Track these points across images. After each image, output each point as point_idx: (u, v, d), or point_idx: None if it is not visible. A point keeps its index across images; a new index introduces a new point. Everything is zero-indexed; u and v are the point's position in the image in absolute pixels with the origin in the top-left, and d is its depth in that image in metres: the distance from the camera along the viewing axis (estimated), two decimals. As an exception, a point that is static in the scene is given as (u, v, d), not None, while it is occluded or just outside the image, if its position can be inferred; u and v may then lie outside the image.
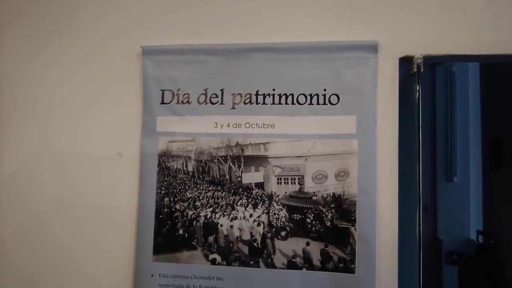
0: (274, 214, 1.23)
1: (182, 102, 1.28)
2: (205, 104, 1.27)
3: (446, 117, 2.63)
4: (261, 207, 1.24)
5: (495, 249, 2.15)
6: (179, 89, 1.28)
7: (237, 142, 1.26)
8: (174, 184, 1.27)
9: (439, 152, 2.68)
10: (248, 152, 1.25)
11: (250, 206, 1.24)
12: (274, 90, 1.25)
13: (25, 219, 1.32)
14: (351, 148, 1.22)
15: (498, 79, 2.32)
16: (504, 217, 2.13)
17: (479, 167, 2.53)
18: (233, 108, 1.26)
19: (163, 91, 1.29)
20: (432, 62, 1.27)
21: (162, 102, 1.29)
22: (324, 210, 1.22)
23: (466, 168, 2.63)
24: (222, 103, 1.27)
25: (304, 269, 1.21)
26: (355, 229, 1.20)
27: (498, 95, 2.32)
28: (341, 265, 1.20)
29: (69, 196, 1.31)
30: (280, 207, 1.23)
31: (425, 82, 2.64)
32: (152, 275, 1.24)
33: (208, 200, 1.26)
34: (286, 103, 1.25)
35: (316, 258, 1.21)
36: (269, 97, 1.25)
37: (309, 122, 1.24)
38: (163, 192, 1.26)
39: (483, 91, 2.52)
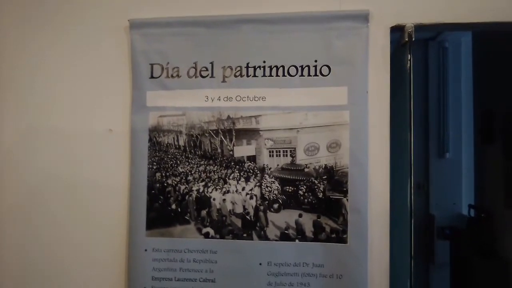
0: (267, 186, 1.23)
1: (172, 76, 1.26)
2: (195, 77, 1.25)
3: (438, 93, 2.63)
4: (254, 180, 1.24)
5: (486, 223, 2.19)
6: (168, 63, 1.26)
7: (228, 116, 1.25)
8: (165, 159, 1.26)
9: (431, 128, 2.70)
10: (240, 125, 1.24)
11: (242, 179, 1.24)
12: (264, 62, 1.24)
13: (19, 195, 1.31)
14: (343, 119, 1.21)
15: (490, 54, 2.31)
16: (495, 191, 2.16)
17: (471, 142, 2.55)
18: (224, 81, 1.25)
19: (152, 65, 1.27)
20: (424, 31, 1.26)
21: (151, 77, 1.27)
22: (316, 181, 1.22)
23: (458, 143, 2.65)
24: (212, 76, 1.25)
25: (297, 241, 1.22)
26: (347, 200, 1.20)
27: (490, 70, 2.32)
28: (334, 235, 1.21)
29: (62, 173, 1.30)
30: (273, 179, 1.23)
31: (418, 58, 2.63)
32: (145, 250, 1.24)
33: (200, 174, 1.25)
34: (277, 75, 1.23)
35: (308, 230, 1.22)
36: (260, 69, 1.24)
37: (300, 94, 1.23)
38: (154, 167, 1.26)
39: (475, 66, 2.52)
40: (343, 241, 1.20)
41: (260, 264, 1.22)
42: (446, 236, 2.59)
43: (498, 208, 2.10)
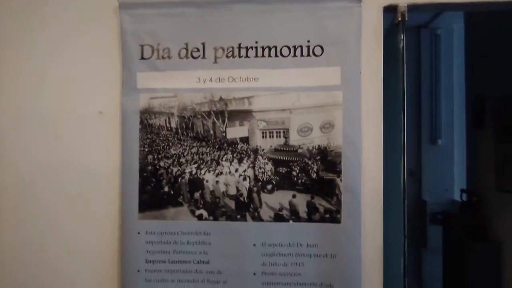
0: (260, 168, 1.23)
1: (163, 57, 1.24)
2: (186, 58, 1.24)
3: (431, 80, 2.65)
4: (247, 161, 1.23)
5: (478, 206, 2.21)
6: (158, 44, 1.24)
7: (221, 97, 1.24)
8: (157, 141, 1.24)
9: (424, 115, 2.71)
10: (232, 106, 1.23)
11: (235, 161, 1.23)
12: (257, 42, 1.23)
13: (9, 180, 1.29)
14: (336, 99, 1.21)
15: (482, 40, 2.32)
16: (487, 175, 2.18)
17: (463, 128, 2.57)
18: (216, 62, 1.23)
19: (142, 46, 1.25)
20: (417, 12, 1.25)
21: (142, 58, 1.25)
22: (309, 162, 1.22)
23: (450, 130, 2.67)
24: (204, 57, 1.24)
25: (290, 221, 1.22)
26: (340, 180, 1.20)
27: (482, 56, 2.33)
28: (327, 216, 1.21)
29: (52, 156, 1.27)
30: (266, 161, 1.23)
31: (410, 45, 2.63)
32: (138, 233, 1.23)
33: (193, 156, 1.24)
34: (270, 56, 1.22)
35: (302, 210, 1.22)
36: (252, 50, 1.23)
37: (293, 74, 1.22)
38: (146, 149, 1.24)
39: (467, 53, 2.53)
40: (337, 221, 1.20)
41: (254, 245, 1.22)
42: (439, 221, 2.62)
43: (489, 191, 2.12)
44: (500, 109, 2.08)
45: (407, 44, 1.24)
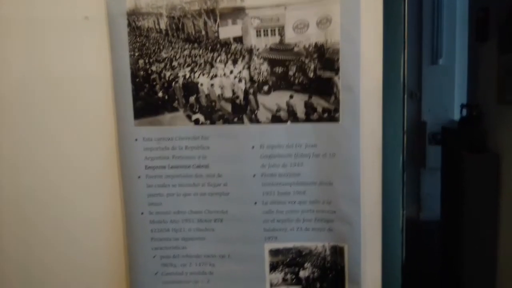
0: (255, 68, 1.19)
1: (146, -48, 1.16)
2: (172, -48, 1.15)
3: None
4: (241, 62, 1.19)
5: (478, 120, 2.20)
6: None
7: (211, -6, 1.16)
8: (147, 44, 1.19)
9: (425, 34, 2.62)
10: (223, 4, 1.17)
11: (229, 62, 1.19)
12: None
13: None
14: (333, -9, 1.14)
15: None
16: (487, 88, 2.14)
17: (465, 45, 2.49)
18: (203, -45, 1.15)
19: None
20: None
21: (124, -47, 1.16)
22: (306, 61, 1.18)
23: (452, 48, 2.60)
24: (190, -51, 1.15)
25: (288, 122, 1.20)
26: (338, 78, 1.17)
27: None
28: (325, 115, 1.19)
29: (40, 66, 1.23)
30: (261, 61, 1.19)
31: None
32: (136, 140, 1.22)
33: (185, 59, 1.20)
34: None
35: (300, 110, 1.20)
36: None
37: (287, -36, 1.14)
38: (136, 54, 1.19)
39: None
40: (335, 119, 1.19)
41: (253, 147, 1.21)
42: (438, 142, 2.63)
43: (490, 104, 2.10)
44: (504, 19, 2.00)
45: None
